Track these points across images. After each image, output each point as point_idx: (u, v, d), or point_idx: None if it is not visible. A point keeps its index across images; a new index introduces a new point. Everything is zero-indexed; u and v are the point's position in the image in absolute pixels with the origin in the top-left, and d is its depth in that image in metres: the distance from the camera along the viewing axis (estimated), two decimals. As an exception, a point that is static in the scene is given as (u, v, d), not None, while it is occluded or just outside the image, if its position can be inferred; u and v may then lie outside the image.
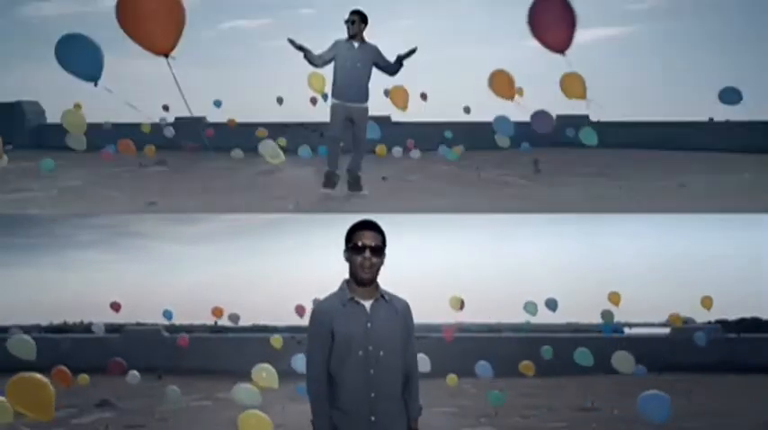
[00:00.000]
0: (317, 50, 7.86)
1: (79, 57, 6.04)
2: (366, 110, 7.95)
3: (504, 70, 8.76)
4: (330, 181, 8.06)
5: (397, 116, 18.36)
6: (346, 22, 7.76)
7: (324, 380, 2.96)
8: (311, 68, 8.49)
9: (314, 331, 2.99)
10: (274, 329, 17.64)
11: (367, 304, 2.98)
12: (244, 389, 6.99)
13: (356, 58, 7.73)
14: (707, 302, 12.43)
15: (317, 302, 3.10)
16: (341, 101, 7.86)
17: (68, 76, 6.09)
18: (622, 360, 8.76)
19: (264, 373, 7.50)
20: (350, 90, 7.80)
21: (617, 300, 12.17)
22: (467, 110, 16.73)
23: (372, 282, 2.97)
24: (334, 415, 2.95)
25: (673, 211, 8.53)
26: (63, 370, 8.40)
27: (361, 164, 8.20)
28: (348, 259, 2.98)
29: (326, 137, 8.27)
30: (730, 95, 9.20)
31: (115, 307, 14.16)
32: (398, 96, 9.98)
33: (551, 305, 12.35)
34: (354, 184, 8.15)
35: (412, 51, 7.86)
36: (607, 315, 12.21)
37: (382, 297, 3.00)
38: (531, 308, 12.52)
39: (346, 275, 3.03)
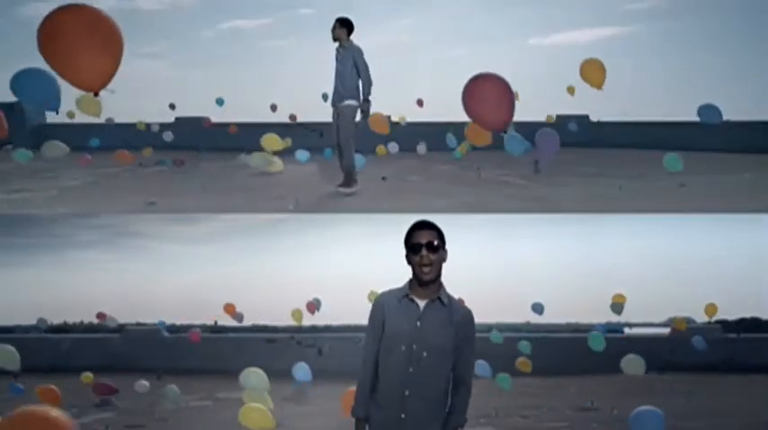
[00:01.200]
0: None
1: (36, 88, 5.75)
2: (349, 107, 8.20)
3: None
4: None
5: (397, 117, 18.42)
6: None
7: (371, 371, 3.02)
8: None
9: (369, 322, 3.06)
10: (274, 329, 17.65)
11: (422, 303, 3.00)
12: (253, 373, 6.93)
13: (338, 62, 8.15)
14: (711, 310, 12.46)
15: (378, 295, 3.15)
16: (332, 106, 8.28)
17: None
18: (634, 363, 8.72)
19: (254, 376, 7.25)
20: (335, 93, 8.22)
21: (621, 301, 12.11)
22: None
23: (433, 282, 2.98)
24: (371, 405, 3.01)
25: (673, 211, 8.53)
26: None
27: (353, 160, 8.30)
28: (409, 262, 3.01)
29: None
30: (709, 113, 9.15)
31: (101, 317, 14.18)
32: (377, 123, 9.85)
33: (537, 309, 12.31)
34: (344, 182, 8.31)
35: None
36: (617, 306, 12.14)
37: (440, 299, 3.01)
38: (496, 337, 12.46)
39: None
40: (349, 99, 8.13)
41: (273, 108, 18.39)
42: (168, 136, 15.92)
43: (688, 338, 12.03)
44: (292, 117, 18.19)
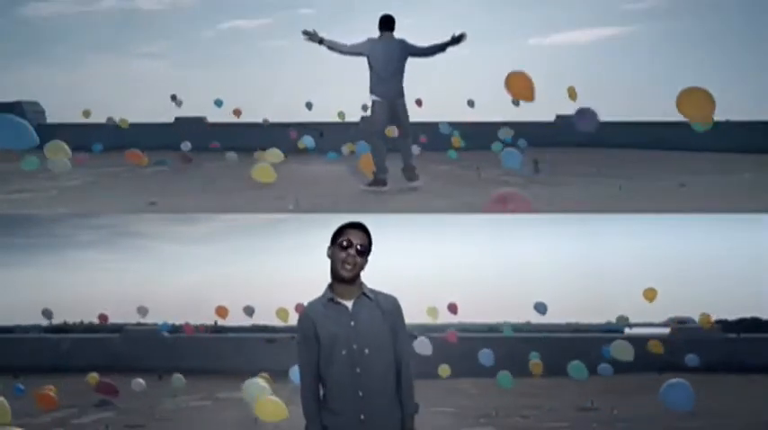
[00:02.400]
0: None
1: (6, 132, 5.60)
2: (373, 102, 8.16)
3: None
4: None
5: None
6: None
7: (313, 385, 2.98)
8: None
9: (300, 337, 3.00)
10: (273, 330, 17.64)
11: (348, 303, 2.97)
12: (254, 384, 6.93)
13: None
14: (706, 320, 12.47)
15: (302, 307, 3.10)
16: None
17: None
18: (622, 349, 8.73)
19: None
20: None
21: (652, 296, 11.96)
22: (470, 103, 16.71)
23: (353, 280, 2.96)
24: (324, 416, 2.95)
25: (673, 211, 8.52)
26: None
27: (378, 160, 8.25)
28: (331, 256, 2.96)
29: None
30: None
31: (102, 318, 14.21)
32: (364, 164, 9.61)
33: (540, 309, 12.30)
34: (371, 182, 8.29)
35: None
36: (622, 319, 12.14)
37: (365, 295, 2.99)
38: (507, 330, 12.42)
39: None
40: (371, 94, 8.09)
41: (265, 122, 18.43)
42: (186, 145, 15.36)
43: (688, 339, 12.05)
44: (294, 129, 18.21)
